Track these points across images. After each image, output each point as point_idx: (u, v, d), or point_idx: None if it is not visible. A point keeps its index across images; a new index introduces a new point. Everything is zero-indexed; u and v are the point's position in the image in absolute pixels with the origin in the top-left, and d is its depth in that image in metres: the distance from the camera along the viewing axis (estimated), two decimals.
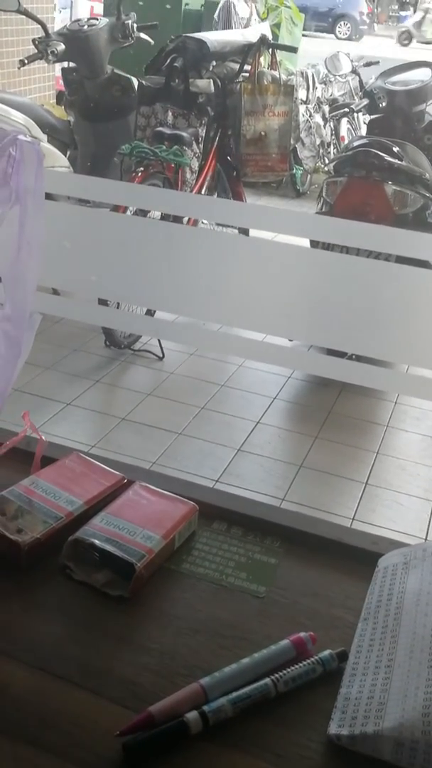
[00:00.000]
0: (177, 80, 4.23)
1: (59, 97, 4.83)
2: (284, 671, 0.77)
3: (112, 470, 1.03)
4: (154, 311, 3.16)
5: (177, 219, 3.30)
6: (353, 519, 2.82)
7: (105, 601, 0.86)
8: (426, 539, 2.73)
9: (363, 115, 5.51)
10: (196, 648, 0.81)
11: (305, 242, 2.24)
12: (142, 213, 2.98)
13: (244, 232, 3.54)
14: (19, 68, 4.34)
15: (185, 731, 0.71)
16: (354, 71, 5.55)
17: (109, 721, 0.72)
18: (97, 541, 0.89)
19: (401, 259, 1.24)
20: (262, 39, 4.45)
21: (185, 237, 1.31)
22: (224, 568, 0.93)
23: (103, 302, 2.63)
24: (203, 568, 0.93)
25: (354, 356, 1.30)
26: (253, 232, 3.01)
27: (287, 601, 0.89)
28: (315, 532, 0.99)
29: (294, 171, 6.46)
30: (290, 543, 0.98)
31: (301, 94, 6.32)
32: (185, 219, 3.52)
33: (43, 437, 1.04)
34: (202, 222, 3.92)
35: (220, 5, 7.47)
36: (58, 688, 0.76)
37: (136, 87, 4.41)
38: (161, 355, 3.89)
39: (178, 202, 1.53)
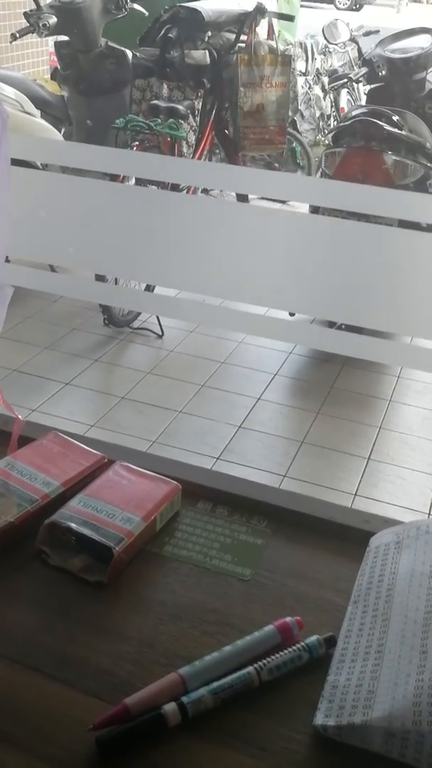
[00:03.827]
0: (172, 52, 4.15)
1: (54, 72, 4.75)
2: (268, 659, 0.73)
3: (92, 450, 0.98)
4: (154, 287, 3.12)
5: (175, 190, 3.25)
6: (355, 494, 2.79)
7: (82, 588, 0.82)
8: (429, 514, 2.69)
9: (363, 85, 5.41)
10: (177, 635, 0.77)
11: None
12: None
13: (243, 200, 3.49)
14: (10, 42, 4.27)
15: (162, 724, 0.67)
16: (353, 40, 5.43)
17: (82, 715, 0.68)
18: (73, 525, 0.84)
19: (404, 225, 1.18)
20: (258, 8, 4.36)
21: (182, 206, 1.26)
22: (208, 550, 0.89)
23: (100, 278, 2.59)
24: (186, 551, 0.89)
25: (343, 326, 1.25)
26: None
27: (274, 584, 0.85)
28: (304, 511, 0.94)
29: (293, 144, 6.36)
30: (278, 523, 0.93)
31: (300, 65, 6.21)
32: (183, 191, 3.47)
33: (20, 416, 0.99)
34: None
35: None
36: (29, 680, 0.72)
37: (130, 60, 4.33)
38: (161, 333, 3.85)
39: (174, 168, 1.47)
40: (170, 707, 0.68)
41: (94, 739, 0.66)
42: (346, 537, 0.91)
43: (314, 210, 3.00)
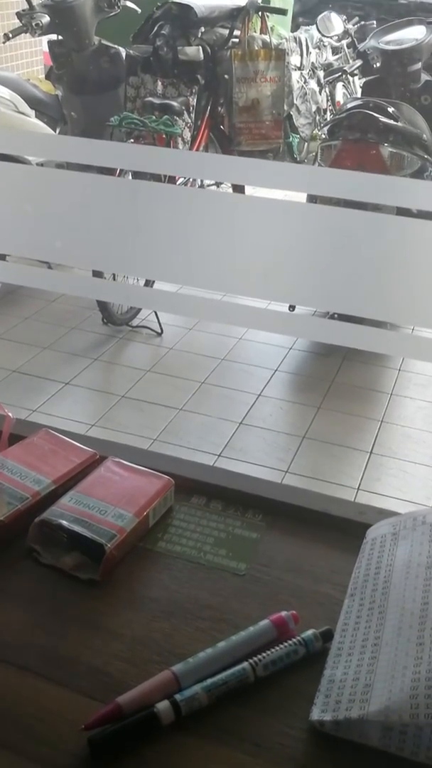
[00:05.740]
0: (165, 49, 4.14)
1: (48, 72, 4.73)
2: (264, 654, 0.72)
3: (84, 447, 0.97)
4: (153, 282, 3.10)
5: (171, 182, 3.25)
6: (358, 489, 2.77)
7: (74, 586, 0.81)
8: None
9: (359, 78, 5.38)
10: (171, 632, 0.76)
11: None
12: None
13: (240, 191, 3.47)
14: (3, 43, 4.25)
15: (156, 722, 0.66)
16: (347, 32, 5.41)
17: (75, 715, 0.67)
18: (64, 522, 0.83)
19: (402, 213, 1.17)
20: (251, 2, 4.34)
21: (178, 198, 1.24)
22: (202, 545, 0.88)
23: (97, 274, 2.57)
24: (180, 546, 0.87)
25: (336, 315, 1.23)
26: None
27: (269, 578, 0.84)
28: (299, 504, 0.93)
29: (290, 139, 6.33)
30: (273, 516, 0.92)
31: (295, 59, 6.16)
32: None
33: (10, 414, 0.98)
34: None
35: None
36: (20, 680, 0.70)
37: (124, 57, 4.31)
38: (160, 331, 3.83)
39: (168, 160, 1.45)
40: (163, 705, 0.67)
41: (86, 740, 0.64)
42: (342, 529, 0.90)
43: (311, 200, 2.98)
